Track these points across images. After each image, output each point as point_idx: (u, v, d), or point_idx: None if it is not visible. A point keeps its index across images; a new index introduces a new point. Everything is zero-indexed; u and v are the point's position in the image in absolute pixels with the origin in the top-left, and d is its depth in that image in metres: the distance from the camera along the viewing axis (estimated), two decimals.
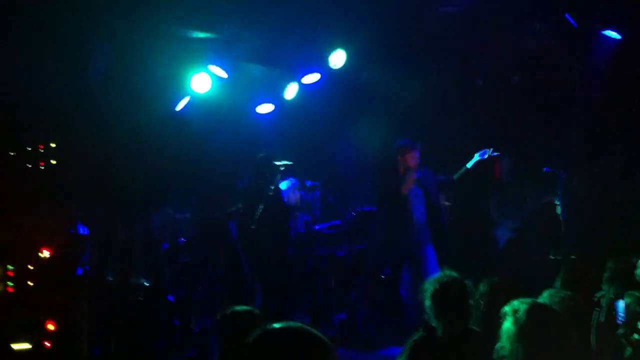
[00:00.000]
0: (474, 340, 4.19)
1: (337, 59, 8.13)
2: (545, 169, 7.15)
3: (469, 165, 7.57)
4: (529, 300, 3.36)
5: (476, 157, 7.55)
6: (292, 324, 2.09)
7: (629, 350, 3.63)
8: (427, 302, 4.20)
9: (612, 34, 7.92)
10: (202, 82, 7.58)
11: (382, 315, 7.60)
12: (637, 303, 3.86)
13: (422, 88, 8.92)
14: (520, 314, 3.25)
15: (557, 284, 5.22)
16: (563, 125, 8.85)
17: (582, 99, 8.65)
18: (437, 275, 4.30)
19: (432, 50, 8.80)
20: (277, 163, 7.22)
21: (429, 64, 9.09)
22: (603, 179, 8.61)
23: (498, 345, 3.33)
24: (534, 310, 3.25)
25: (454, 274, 4.28)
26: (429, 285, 4.22)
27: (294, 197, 7.72)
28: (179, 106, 7.95)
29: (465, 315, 4.22)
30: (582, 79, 8.55)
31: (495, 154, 7.57)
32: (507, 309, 3.32)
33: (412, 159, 7.30)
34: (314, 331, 2.06)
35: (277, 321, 2.07)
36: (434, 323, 4.20)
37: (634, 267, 4.85)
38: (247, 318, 4.03)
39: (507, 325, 3.29)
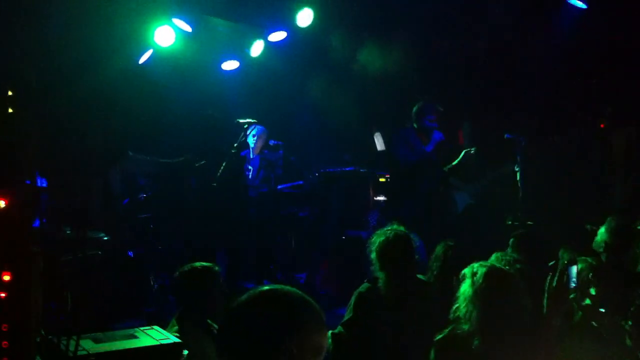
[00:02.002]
0: (420, 293, 4.28)
1: (305, 17, 8.04)
2: (506, 135, 7.23)
3: (456, 162, 7.64)
4: (487, 263, 3.42)
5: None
6: (277, 286, 2.10)
7: (579, 315, 3.74)
8: (373, 255, 4.27)
9: (578, 3, 7.97)
10: (166, 35, 7.43)
11: (341, 276, 7.67)
12: (589, 269, 3.97)
13: (388, 54, 8.90)
14: (478, 277, 3.31)
15: (509, 248, 5.34)
16: (526, 94, 8.94)
17: (546, 68, 8.73)
18: (383, 229, 4.37)
19: (400, 17, 8.76)
20: (241, 120, 7.17)
21: (397, 30, 9.05)
22: (561, 148, 8.77)
23: (454, 307, 3.40)
24: (492, 274, 3.31)
25: (401, 228, 4.35)
26: (375, 238, 4.29)
27: (256, 153, 7.73)
28: (142, 59, 7.79)
29: (409, 268, 4.30)
30: (546, 48, 8.62)
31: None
32: (466, 271, 3.38)
33: (432, 121, 7.50)
34: (301, 294, 2.07)
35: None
36: (378, 275, 4.28)
37: (587, 233, 4.98)
38: (206, 275, 4.03)
39: (465, 287, 3.35)
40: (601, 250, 4.71)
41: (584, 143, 8.86)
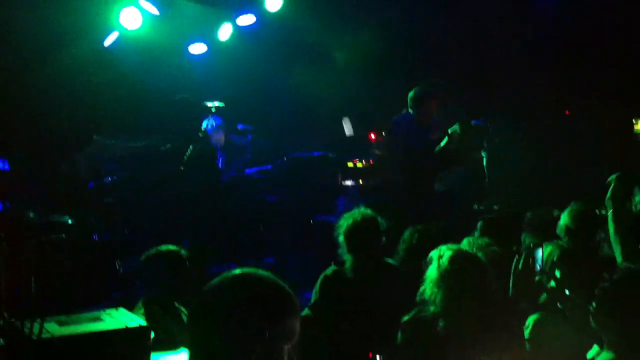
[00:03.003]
0: (387, 275, 4.29)
1: (274, 1, 7.97)
2: (473, 121, 7.27)
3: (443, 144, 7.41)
4: (454, 246, 3.45)
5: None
6: (249, 270, 2.08)
7: (543, 296, 3.79)
8: (340, 238, 4.27)
9: None
10: (132, 17, 7.31)
11: (310, 260, 7.68)
12: (555, 252, 4.02)
13: (360, 41, 8.89)
14: (444, 259, 3.34)
15: (477, 233, 5.40)
16: (494, 82, 9.03)
17: (515, 56, 8.82)
18: (351, 212, 4.37)
19: (374, 4, 8.75)
20: (208, 104, 7.11)
21: (370, 17, 9.04)
22: (527, 136, 8.87)
23: (421, 289, 3.42)
24: (457, 257, 3.33)
25: (368, 211, 4.35)
26: (343, 221, 4.29)
27: (217, 137, 7.65)
28: (107, 42, 7.66)
29: (376, 251, 4.31)
30: (515, 37, 8.70)
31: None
32: (433, 254, 3.40)
33: (435, 106, 7.21)
34: (274, 279, 2.06)
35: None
36: (345, 258, 4.28)
37: (553, 218, 5.05)
38: (172, 258, 4.00)
39: (431, 270, 3.37)
40: (563, 234, 4.78)
41: (552, 129, 8.98)
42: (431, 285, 3.33)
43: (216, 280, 2.04)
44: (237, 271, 2.07)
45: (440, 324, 3.28)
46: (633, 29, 8.61)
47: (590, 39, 8.51)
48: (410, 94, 7.24)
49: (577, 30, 8.43)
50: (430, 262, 3.39)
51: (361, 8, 8.90)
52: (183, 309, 3.93)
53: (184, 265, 4.01)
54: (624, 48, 8.75)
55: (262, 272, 2.08)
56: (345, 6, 8.81)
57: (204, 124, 7.46)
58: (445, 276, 3.28)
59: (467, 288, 3.26)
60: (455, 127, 6.99)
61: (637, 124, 10.69)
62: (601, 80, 8.87)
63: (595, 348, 3.15)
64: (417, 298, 3.41)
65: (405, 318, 3.43)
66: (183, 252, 4.08)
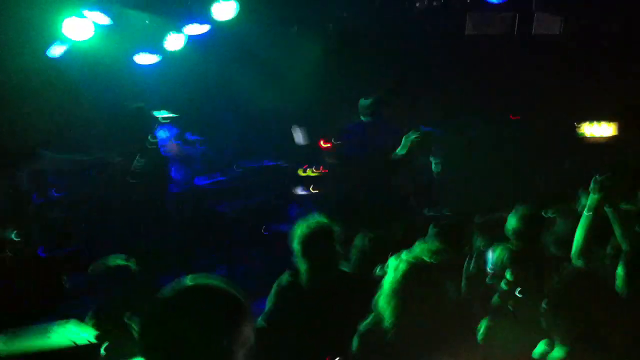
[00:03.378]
0: (341, 283, 4.28)
1: (224, 10, 7.91)
2: (422, 127, 7.35)
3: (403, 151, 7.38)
4: (408, 254, 3.46)
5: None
6: (203, 280, 2.04)
7: (495, 297, 3.85)
8: (295, 245, 4.24)
9: None
10: (81, 28, 7.17)
11: (263, 269, 7.62)
12: (505, 254, 4.09)
13: (310, 49, 8.92)
14: (398, 268, 3.35)
15: (429, 238, 5.45)
16: (441, 86, 9.20)
17: (462, 60, 8.98)
18: (306, 220, 4.35)
19: (324, 10, 8.78)
20: (158, 114, 7.01)
21: (321, 23, 9.08)
22: (474, 140, 9.04)
23: (376, 297, 3.43)
24: (411, 265, 3.35)
25: (323, 219, 4.33)
26: (297, 229, 4.25)
27: (174, 147, 7.56)
28: (52, 52, 7.50)
29: (331, 258, 4.29)
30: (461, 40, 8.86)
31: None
32: (389, 262, 3.41)
33: (387, 113, 7.22)
34: (227, 287, 2.03)
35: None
36: (300, 266, 4.25)
37: (501, 221, 5.14)
38: (120, 271, 3.92)
39: (386, 278, 3.39)
40: (512, 236, 4.87)
41: (499, 134, 9.16)
42: (386, 293, 3.34)
43: (168, 290, 2.00)
44: (190, 280, 2.03)
45: (394, 332, 3.29)
46: (575, 34, 8.86)
47: (533, 43, 8.72)
48: (362, 101, 7.29)
49: (520, 34, 8.62)
50: (385, 270, 3.39)
51: (312, 17, 8.93)
52: (133, 321, 3.86)
53: (132, 277, 3.94)
54: (566, 52, 9.00)
55: (214, 279, 2.05)
56: (296, 15, 8.83)
57: (160, 134, 7.36)
58: (400, 285, 3.29)
59: (423, 296, 3.28)
60: (411, 134, 7.00)
61: (580, 127, 11.01)
62: (545, 84, 9.10)
63: (541, 346, 3.22)
64: (372, 306, 3.40)
65: (361, 327, 3.42)
66: (131, 264, 4.00)
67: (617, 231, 4.39)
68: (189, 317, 1.92)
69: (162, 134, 7.55)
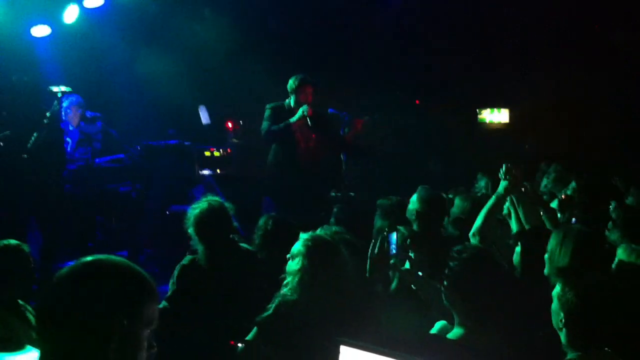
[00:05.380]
0: (242, 261, 4.31)
1: None
2: (329, 110, 7.41)
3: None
4: (312, 235, 3.49)
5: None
6: (102, 257, 1.95)
7: (396, 278, 3.95)
8: (190, 229, 4.25)
9: None
10: None
11: (166, 252, 7.47)
12: (407, 235, 4.19)
13: (216, 28, 8.78)
14: (303, 248, 3.38)
15: (332, 219, 5.53)
16: (350, 71, 9.28)
17: (370, 46, 9.09)
18: (199, 202, 4.36)
19: None
20: (54, 89, 6.69)
21: (227, 3, 8.95)
22: (381, 124, 9.20)
23: (282, 278, 3.45)
24: (316, 245, 3.39)
25: (216, 198, 4.37)
26: (191, 212, 4.27)
27: (72, 116, 7.30)
28: None
29: (227, 237, 4.33)
30: (371, 27, 8.97)
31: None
32: (296, 244, 3.43)
33: (306, 94, 6.96)
34: (128, 263, 1.95)
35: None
36: (198, 247, 4.27)
37: (402, 203, 5.29)
38: (11, 254, 3.73)
39: (293, 259, 3.41)
40: (413, 218, 5.01)
41: (404, 120, 9.36)
42: (293, 274, 3.37)
43: (65, 270, 1.90)
44: (89, 259, 1.94)
45: (301, 312, 3.31)
46: (484, 23, 9.14)
47: (439, 32, 8.94)
48: (290, 81, 7.06)
49: (425, 22, 8.82)
50: (292, 252, 3.42)
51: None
52: (29, 307, 3.69)
53: (26, 261, 3.75)
54: (472, 40, 9.28)
55: (114, 258, 1.97)
56: None
57: (61, 107, 7.01)
58: (306, 265, 3.32)
59: (326, 276, 3.33)
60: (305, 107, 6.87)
61: (480, 113, 11.44)
62: (448, 70, 9.36)
63: (439, 324, 3.33)
64: (281, 290, 3.43)
65: (268, 306, 3.43)
66: (25, 247, 3.81)
67: (521, 214, 4.68)
68: (84, 297, 1.83)
69: (68, 103, 7.24)
